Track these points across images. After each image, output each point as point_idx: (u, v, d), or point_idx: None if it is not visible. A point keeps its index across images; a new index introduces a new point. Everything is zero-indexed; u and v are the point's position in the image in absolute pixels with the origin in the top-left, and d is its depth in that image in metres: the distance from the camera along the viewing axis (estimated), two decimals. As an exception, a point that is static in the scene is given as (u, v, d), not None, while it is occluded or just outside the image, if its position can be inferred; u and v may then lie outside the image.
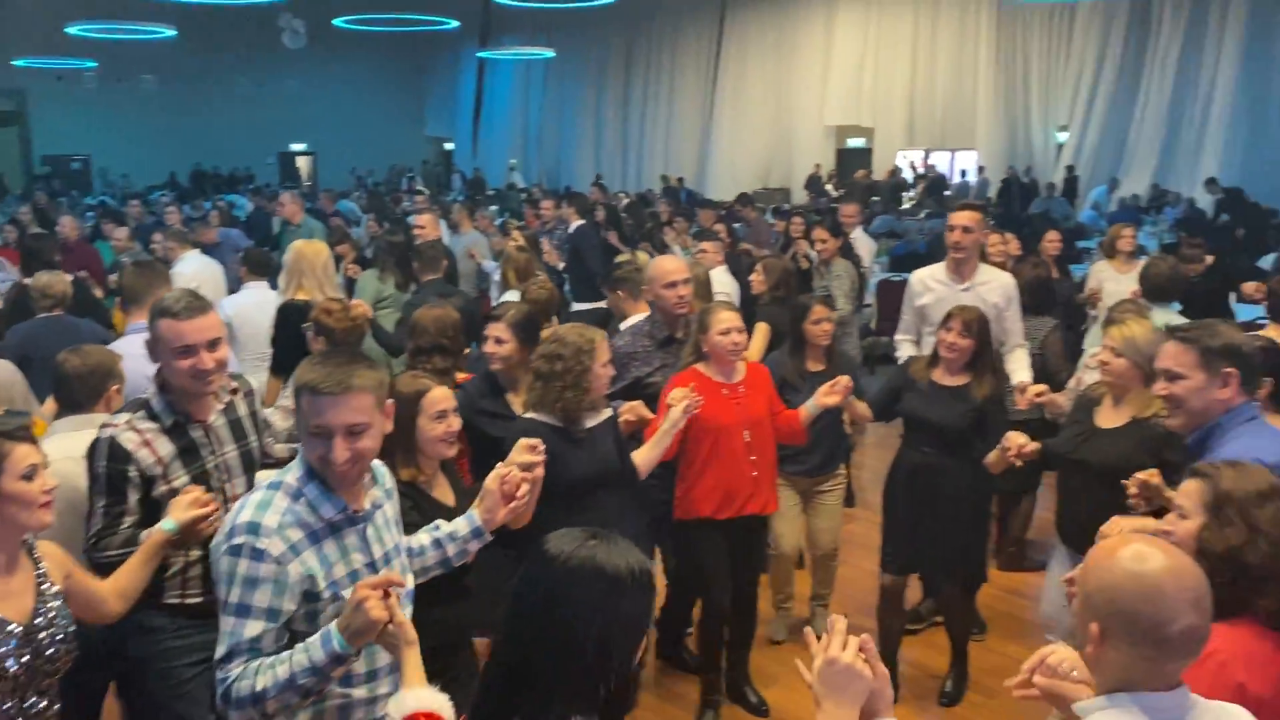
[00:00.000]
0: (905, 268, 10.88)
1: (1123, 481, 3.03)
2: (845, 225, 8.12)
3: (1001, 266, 5.56)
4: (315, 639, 2.11)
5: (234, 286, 6.98)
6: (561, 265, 8.59)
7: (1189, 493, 2.26)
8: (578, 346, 3.38)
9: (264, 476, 2.85)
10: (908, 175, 21.22)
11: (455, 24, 24.54)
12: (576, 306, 8.01)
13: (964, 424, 4.14)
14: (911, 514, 4.30)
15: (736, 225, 10.79)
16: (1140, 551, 1.68)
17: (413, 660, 2.06)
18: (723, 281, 6.54)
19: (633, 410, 3.79)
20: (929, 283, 5.00)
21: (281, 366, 5.04)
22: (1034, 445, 3.63)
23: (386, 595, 2.05)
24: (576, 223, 8.84)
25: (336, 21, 23.59)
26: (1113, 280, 6.63)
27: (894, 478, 4.43)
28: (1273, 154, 17.01)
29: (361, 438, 2.18)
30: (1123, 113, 18.83)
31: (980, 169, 20.49)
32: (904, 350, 5.03)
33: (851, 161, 22.74)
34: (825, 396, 4.02)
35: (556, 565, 1.68)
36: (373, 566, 2.30)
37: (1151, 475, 2.98)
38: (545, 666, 1.65)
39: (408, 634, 2.08)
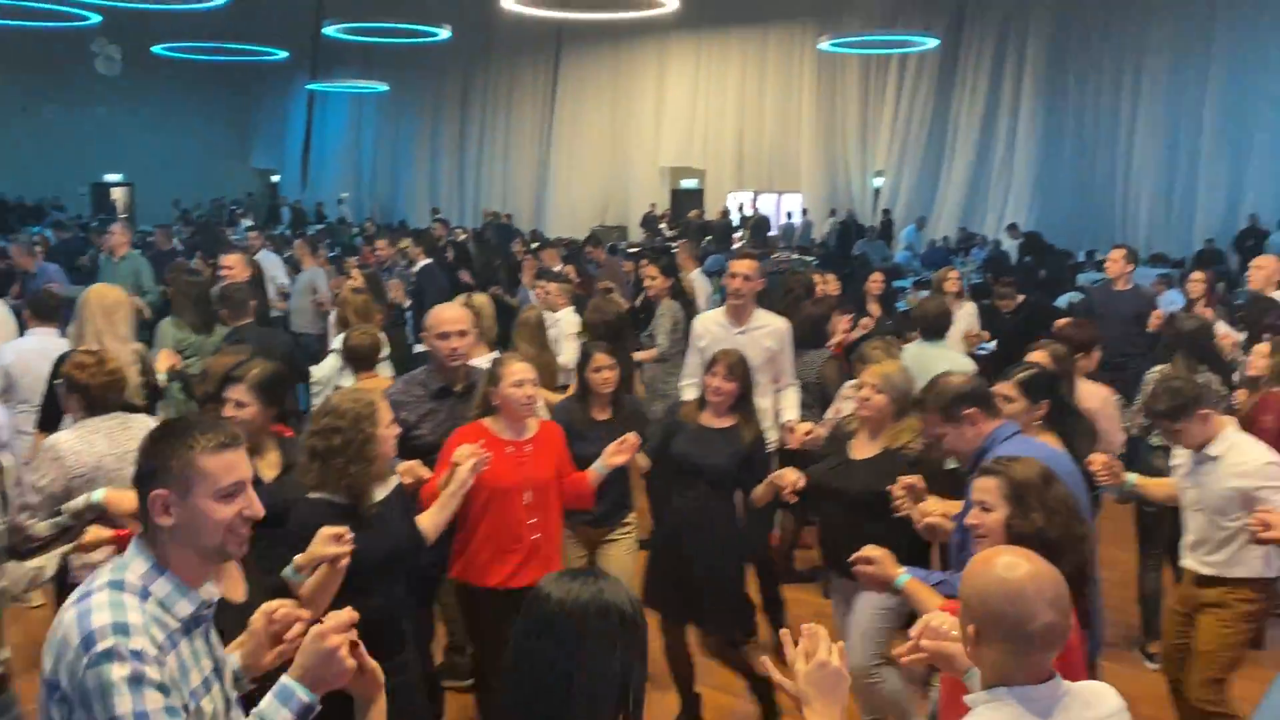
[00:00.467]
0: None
1: (890, 487, 3.41)
2: (681, 266, 8.43)
3: (826, 305, 6.01)
4: (268, 704, 1.88)
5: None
6: (408, 304, 8.53)
7: (987, 489, 2.60)
8: (356, 414, 3.01)
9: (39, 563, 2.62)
10: (736, 217, 22.05)
11: (284, 55, 23.99)
12: (420, 349, 7.95)
13: (731, 465, 4.12)
14: (680, 562, 4.14)
15: (589, 264, 10.95)
16: (1010, 561, 1.94)
17: (380, 706, 1.98)
18: (572, 322, 6.67)
19: (410, 471, 3.48)
20: (710, 326, 5.18)
21: (49, 423, 4.54)
22: (802, 481, 3.76)
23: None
24: (422, 261, 8.82)
25: (156, 49, 22.65)
26: None
27: (662, 523, 4.35)
28: (1066, 202, 18.67)
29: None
30: (933, 160, 20.22)
31: (804, 211, 21.51)
32: (687, 394, 4.98)
33: (685, 202, 23.47)
34: (613, 456, 3.80)
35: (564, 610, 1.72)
36: (218, 672, 1.98)
37: (916, 480, 3.40)
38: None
39: (378, 678, 1.97)
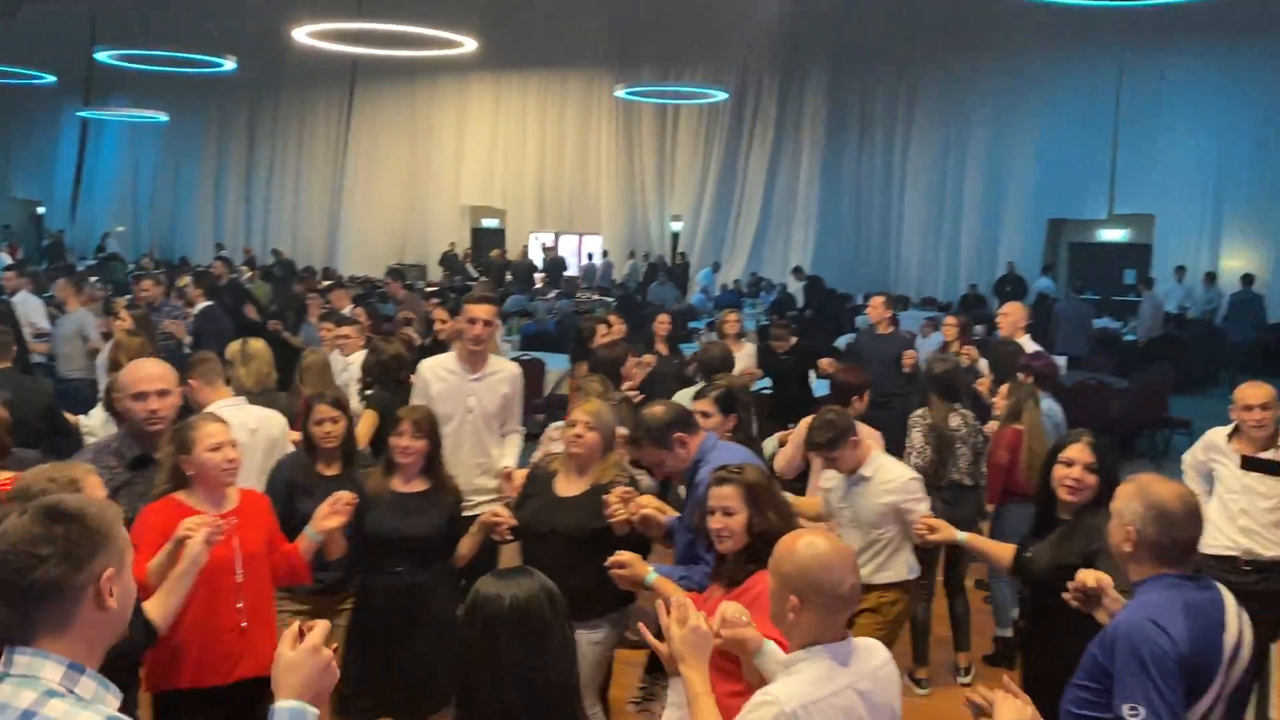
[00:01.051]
0: (536, 346, 11.41)
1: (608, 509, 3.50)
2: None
3: (620, 349, 6.16)
4: None
5: None
6: (188, 341, 8.10)
7: (727, 495, 2.88)
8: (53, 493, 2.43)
9: None
10: (536, 257, 22.18)
11: (52, 79, 22.42)
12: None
13: (437, 532, 3.81)
14: (384, 649, 3.72)
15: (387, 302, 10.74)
16: (812, 540, 2.30)
17: None
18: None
19: None
20: (439, 373, 4.78)
21: None
22: (512, 520, 3.69)
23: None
24: (201, 303, 8.41)
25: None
26: None
27: (362, 611, 3.83)
28: (845, 249, 19.87)
29: None
30: (725, 206, 21.06)
31: (605, 253, 21.89)
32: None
33: (486, 241, 23.40)
34: (324, 520, 3.35)
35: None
36: None
37: (628, 491, 3.59)
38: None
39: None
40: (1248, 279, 16.07)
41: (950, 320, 7.32)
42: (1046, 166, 18.46)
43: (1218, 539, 4.17)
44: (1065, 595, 2.77)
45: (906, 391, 7.01)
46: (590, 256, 22.52)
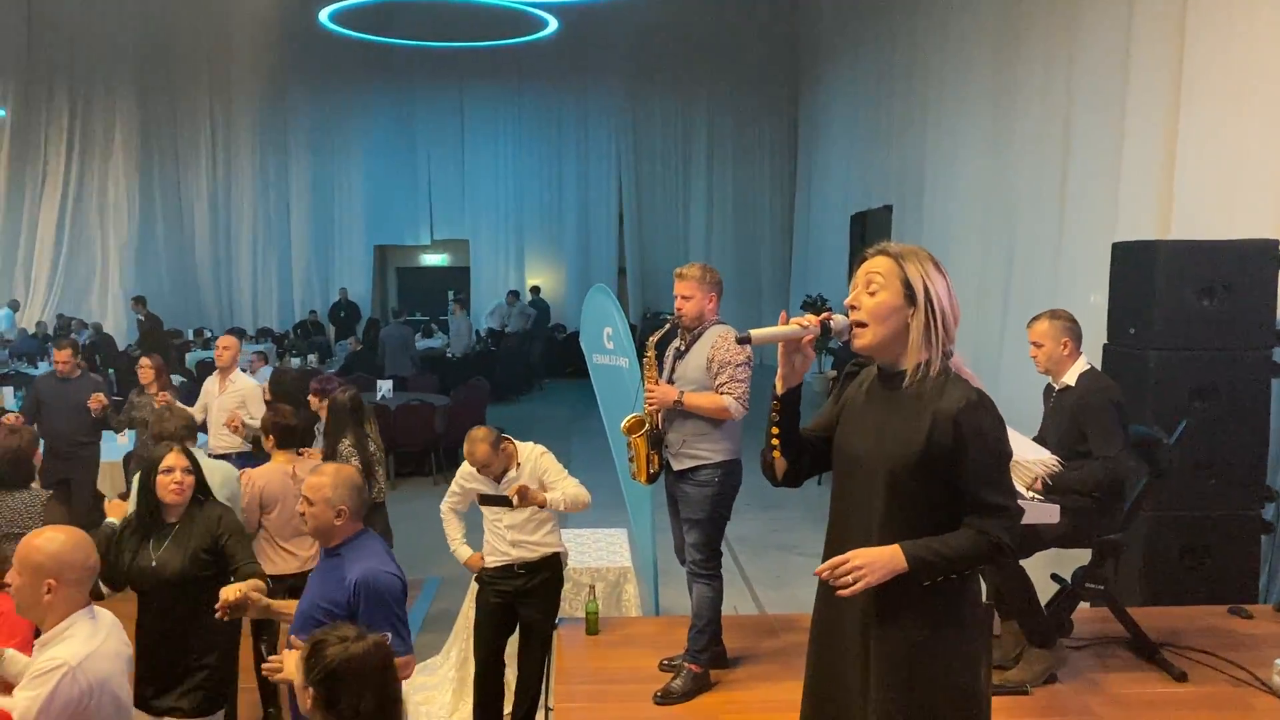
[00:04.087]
0: None
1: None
2: None
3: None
4: None
5: None
6: None
7: None
8: None
9: None
10: None
11: None
12: None
13: None
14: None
15: None
16: (49, 534, 2.65)
17: None
18: None
19: None
20: None
21: None
22: None
23: None
24: None
25: None
26: None
27: None
28: (167, 281, 18.68)
29: None
30: (13, 234, 18.41)
31: None
32: None
33: None
34: None
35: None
36: None
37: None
38: None
39: None
40: (535, 290, 18.49)
41: (145, 363, 6.96)
42: (369, 196, 19.29)
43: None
44: None
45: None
46: None
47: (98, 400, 6.68)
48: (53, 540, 2.62)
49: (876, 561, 2.12)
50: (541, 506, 4.21)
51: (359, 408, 5.38)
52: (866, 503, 2.22)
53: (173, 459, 3.65)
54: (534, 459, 4.32)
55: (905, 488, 2.16)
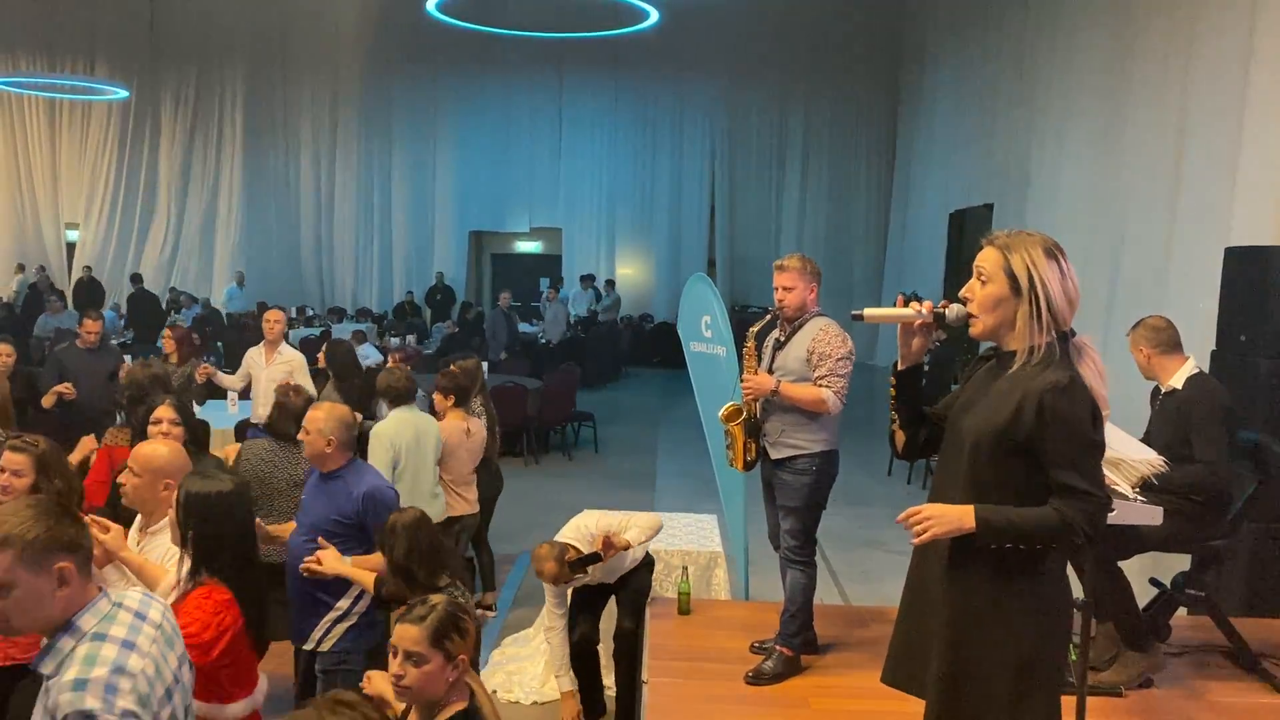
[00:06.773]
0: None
1: None
2: None
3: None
4: None
5: None
6: None
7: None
8: None
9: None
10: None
11: None
12: None
13: None
14: None
15: None
16: (161, 444, 3.03)
17: None
18: None
19: None
20: None
21: None
22: None
23: None
24: None
25: None
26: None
27: None
28: (277, 259, 19.31)
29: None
30: (131, 214, 19.25)
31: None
32: None
33: None
34: None
35: None
36: None
37: None
38: None
39: None
40: (610, 283, 18.57)
41: (168, 333, 7.19)
42: (466, 183, 19.66)
43: None
44: None
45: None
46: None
47: (204, 371, 6.97)
48: (167, 447, 3.03)
49: (946, 515, 2.21)
50: (626, 549, 4.27)
51: (480, 376, 6.09)
52: (955, 471, 2.31)
53: (162, 411, 3.74)
54: (592, 527, 4.33)
55: (986, 459, 2.25)
